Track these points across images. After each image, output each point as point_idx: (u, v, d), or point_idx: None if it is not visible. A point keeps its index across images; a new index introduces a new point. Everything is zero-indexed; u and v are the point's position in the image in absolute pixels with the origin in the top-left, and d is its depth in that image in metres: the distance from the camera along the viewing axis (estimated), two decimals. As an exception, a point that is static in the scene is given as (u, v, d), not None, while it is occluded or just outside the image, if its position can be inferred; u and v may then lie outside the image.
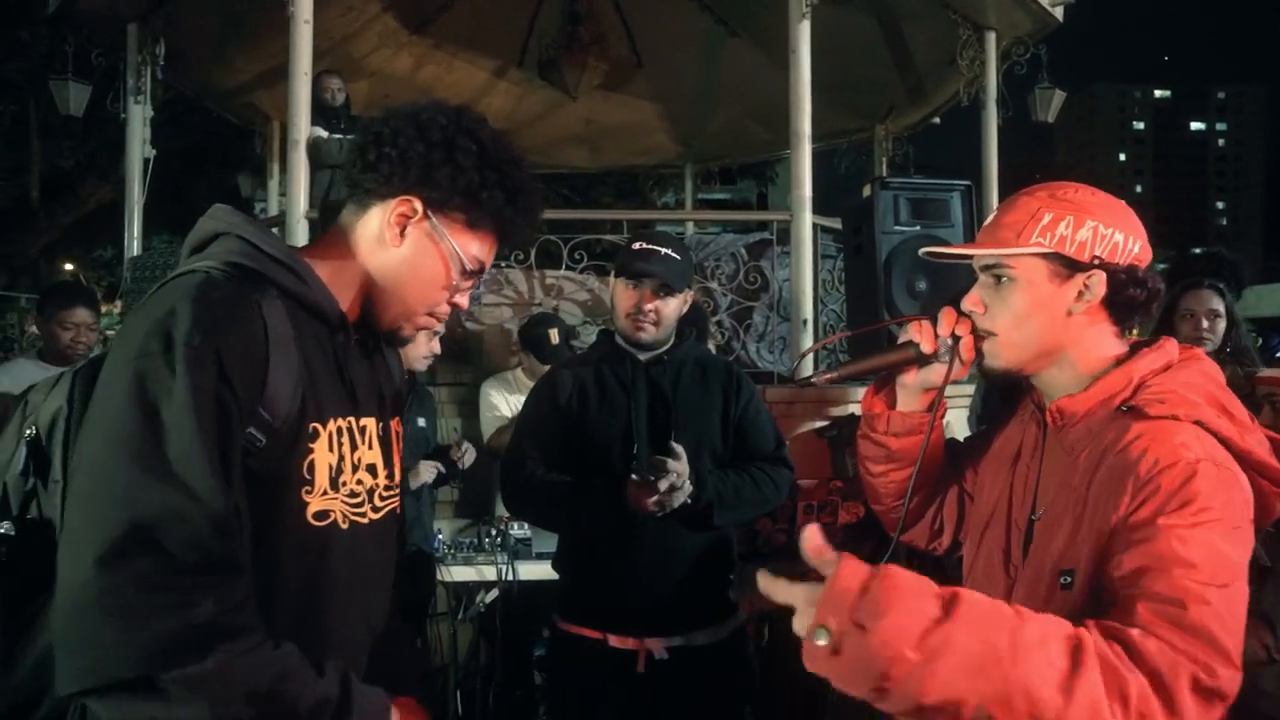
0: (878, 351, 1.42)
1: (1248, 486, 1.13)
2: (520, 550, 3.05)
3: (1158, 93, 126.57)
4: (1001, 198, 3.20)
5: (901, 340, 1.37)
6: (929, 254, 1.38)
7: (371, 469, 1.20)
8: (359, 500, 1.17)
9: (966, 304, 1.32)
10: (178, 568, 0.93)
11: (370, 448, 1.20)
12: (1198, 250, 4.13)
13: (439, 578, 3.02)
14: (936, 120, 7.06)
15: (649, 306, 2.16)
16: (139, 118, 5.60)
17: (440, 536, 3.22)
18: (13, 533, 1.04)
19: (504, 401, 3.66)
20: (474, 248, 1.21)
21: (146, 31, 5.48)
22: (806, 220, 4.56)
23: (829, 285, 5.18)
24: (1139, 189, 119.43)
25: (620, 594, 2.12)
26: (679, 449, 2.04)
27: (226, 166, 12.00)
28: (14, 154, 12.94)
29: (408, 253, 1.18)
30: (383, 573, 1.27)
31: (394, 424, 1.29)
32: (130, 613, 0.91)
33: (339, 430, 1.15)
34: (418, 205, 1.17)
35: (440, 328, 2.04)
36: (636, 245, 2.18)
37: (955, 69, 5.67)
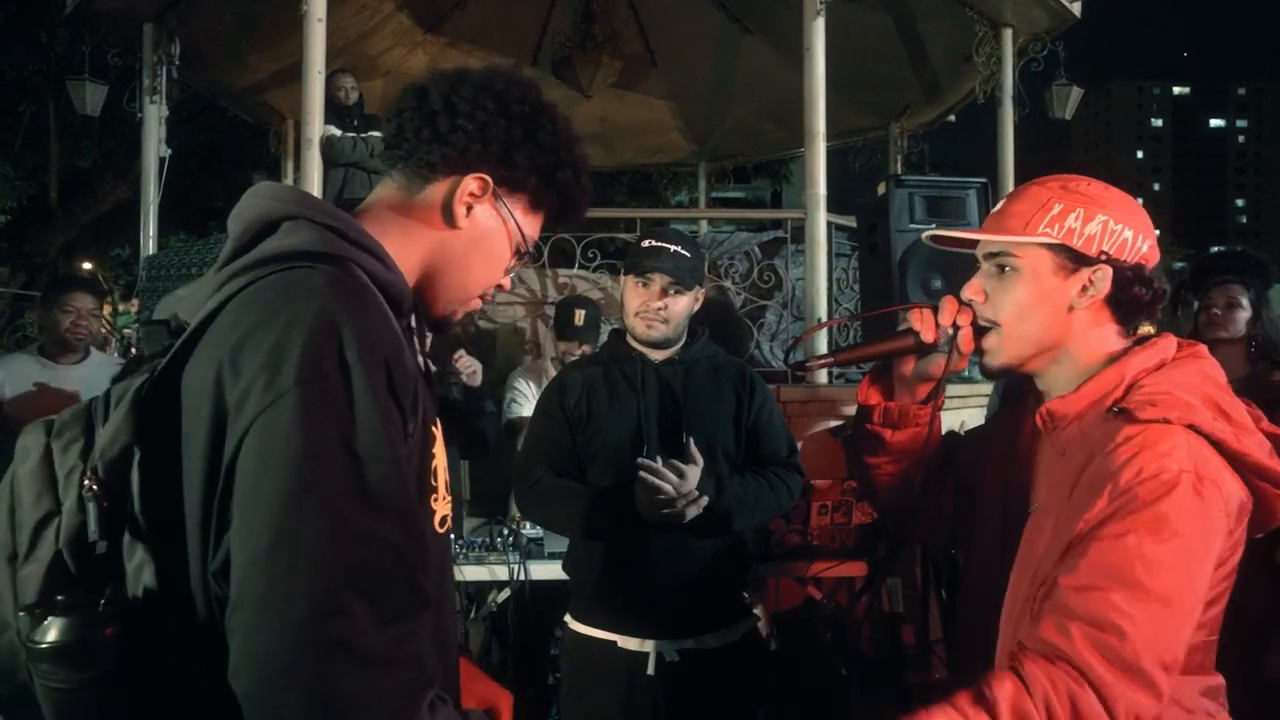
0: (878, 339, 1.40)
1: (1231, 496, 1.10)
2: (532, 550, 3.03)
3: (1176, 89, 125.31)
4: (1018, 195, 3.16)
5: (901, 328, 1.35)
6: (933, 238, 1.36)
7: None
8: (449, 498, 1.10)
9: (967, 292, 1.30)
10: (394, 613, 0.84)
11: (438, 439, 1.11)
12: (1220, 248, 4.07)
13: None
14: (952, 118, 7.01)
15: (658, 304, 2.13)
16: (154, 117, 5.63)
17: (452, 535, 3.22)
18: (115, 609, 0.84)
19: (530, 392, 3.66)
20: (531, 227, 1.13)
21: (162, 31, 5.52)
22: (821, 218, 4.54)
23: (843, 284, 5.15)
24: (1157, 187, 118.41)
25: (631, 595, 2.10)
26: (696, 453, 2.00)
27: (241, 165, 12.08)
28: (33, 154, 13.03)
29: (474, 233, 1.08)
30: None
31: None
32: (357, 678, 0.80)
33: (443, 428, 1.07)
34: (490, 183, 1.07)
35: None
36: (646, 242, 2.16)
37: (971, 66, 5.63)
